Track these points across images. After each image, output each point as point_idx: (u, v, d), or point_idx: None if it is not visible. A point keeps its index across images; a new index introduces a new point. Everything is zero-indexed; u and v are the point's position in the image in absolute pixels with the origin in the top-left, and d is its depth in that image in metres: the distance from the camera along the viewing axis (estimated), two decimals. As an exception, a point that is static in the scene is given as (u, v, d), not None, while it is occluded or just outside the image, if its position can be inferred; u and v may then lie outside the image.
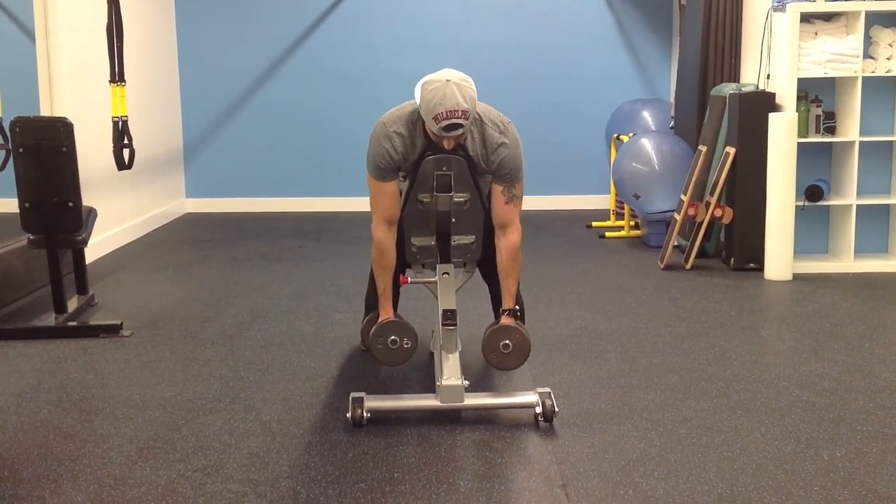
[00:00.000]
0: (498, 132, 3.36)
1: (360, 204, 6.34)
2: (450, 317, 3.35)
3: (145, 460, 2.99)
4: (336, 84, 8.19)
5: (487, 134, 3.35)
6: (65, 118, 4.48)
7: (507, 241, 3.46)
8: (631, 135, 6.98)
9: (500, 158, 3.36)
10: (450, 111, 3.11)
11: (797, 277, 5.50)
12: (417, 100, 3.23)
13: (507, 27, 8.17)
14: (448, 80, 3.13)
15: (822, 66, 5.49)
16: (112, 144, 5.02)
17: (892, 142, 5.70)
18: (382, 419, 3.29)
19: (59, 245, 4.53)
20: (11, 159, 4.41)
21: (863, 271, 5.65)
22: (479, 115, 3.34)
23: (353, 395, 3.32)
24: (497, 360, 3.40)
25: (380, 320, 3.47)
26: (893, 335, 4.37)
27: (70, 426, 3.29)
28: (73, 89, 5.87)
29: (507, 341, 3.37)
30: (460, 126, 3.15)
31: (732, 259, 5.77)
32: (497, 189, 3.43)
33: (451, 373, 3.28)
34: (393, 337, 3.38)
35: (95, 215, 5.02)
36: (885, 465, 2.93)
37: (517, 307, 3.54)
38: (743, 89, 5.80)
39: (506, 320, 3.45)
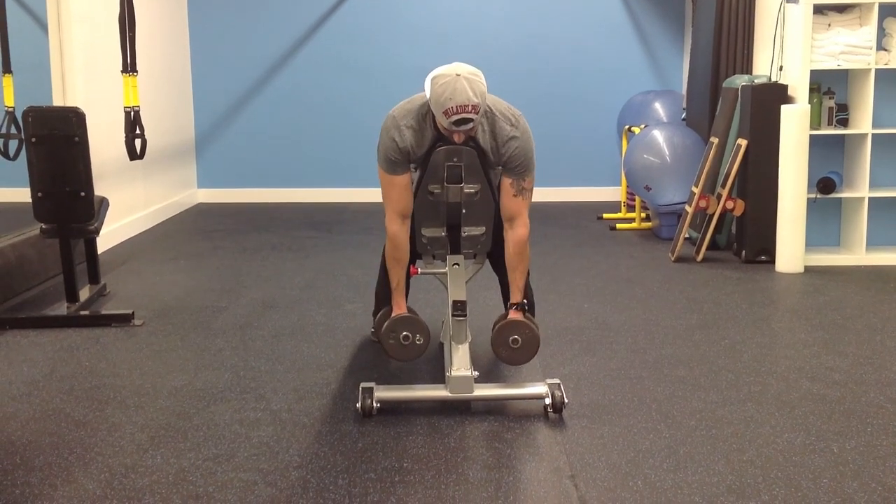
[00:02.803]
0: (509, 125, 3.35)
1: (372, 195, 6.35)
2: (460, 308, 3.35)
3: (156, 449, 3.01)
4: (348, 75, 8.19)
5: (498, 126, 3.35)
6: (77, 108, 4.49)
7: (515, 235, 3.45)
8: (642, 126, 6.96)
9: (510, 151, 3.35)
10: (460, 106, 3.11)
11: (809, 270, 5.48)
12: (427, 93, 3.22)
13: (519, 18, 8.15)
14: (458, 75, 3.13)
15: (835, 58, 5.46)
16: (124, 134, 5.03)
17: (905, 134, 5.68)
18: (392, 409, 3.31)
19: (71, 234, 4.55)
20: (24, 149, 4.43)
21: (875, 264, 5.63)
22: (489, 107, 3.33)
23: (363, 385, 3.33)
24: (506, 355, 3.41)
25: (393, 315, 3.46)
26: (905, 328, 4.36)
27: (82, 415, 3.31)
28: (86, 79, 5.89)
29: (516, 336, 3.37)
30: (470, 120, 3.15)
31: (744, 251, 5.75)
32: (506, 182, 3.42)
33: (460, 363, 3.29)
34: (405, 333, 3.37)
35: (107, 205, 5.04)
36: (895, 457, 2.92)
37: (525, 301, 3.53)
38: (755, 81, 5.78)
39: (514, 314, 3.45)
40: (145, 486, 2.74)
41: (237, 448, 3.02)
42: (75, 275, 4.63)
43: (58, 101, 5.71)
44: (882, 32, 5.51)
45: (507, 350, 3.39)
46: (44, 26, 5.71)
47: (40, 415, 3.32)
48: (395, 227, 3.44)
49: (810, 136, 5.39)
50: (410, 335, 3.37)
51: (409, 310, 3.53)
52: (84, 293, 4.76)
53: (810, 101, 5.50)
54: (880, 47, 5.51)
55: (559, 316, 4.55)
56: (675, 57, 8.19)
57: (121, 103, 5.02)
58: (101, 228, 4.78)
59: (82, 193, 4.44)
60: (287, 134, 8.31)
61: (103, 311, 4.64)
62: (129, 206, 6.72)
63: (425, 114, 3.33)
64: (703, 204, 5.84)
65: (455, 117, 3.14)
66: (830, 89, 5.64)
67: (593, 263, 5.79)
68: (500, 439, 3.09)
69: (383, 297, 4.06)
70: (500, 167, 3.43)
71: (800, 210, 5.41)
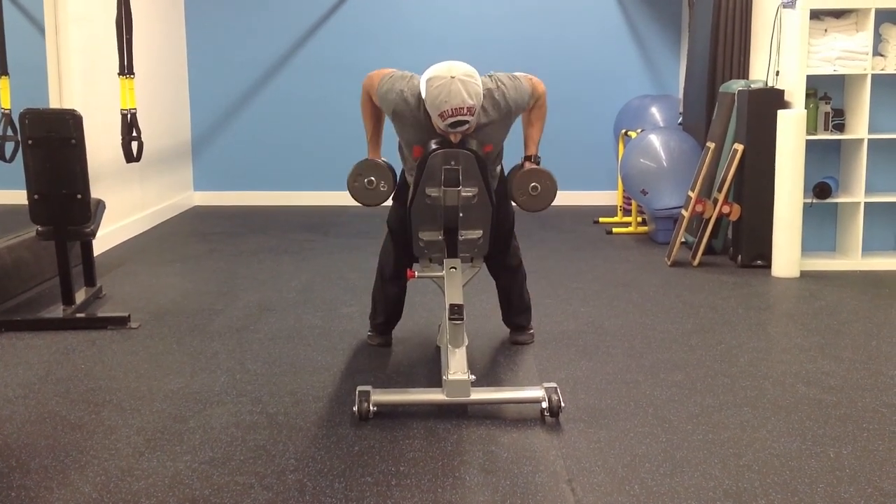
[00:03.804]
0: (497, 86, 3.49)
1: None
2: (457, 311, 3.35)
3: (152, 452, 3.01)
4: (345, 77, 8.17)
5: (495, 96, 3.47)
6: (74, 110, 4.48)
7: (536, 102, 3.69)
8: (639, 131, 6.97)
9: (514, 102, 3.52)
10: (455, 108, 3.12)
11: (805, 275, 5.49)
12: (423, 94, 3.23)
13: (516, 22, 8.16)
14: (453, 77, 3.14)
15: (831, 64, 5.48)
16: (121, 137, 5.03)
17: (901, 139, 5.69)
18: (389, 413, 3.30)
19: (67, 237, 4.55)
20: (21, 151, 4.42)
21: (870, 269, 5.64)
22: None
23: (359, 388, 3.32)
24: (524, 200, 3.63)
25: (362, 159, 3.63)
26: (901, 333, 4.37)
27: (78, 417, 3.31)
28: (83, 81, 5.89)
29: (536, 184, 3.58)
30: (466, 122, 3.17)
31: (740, 256, 5.76)
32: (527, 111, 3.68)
33: (457, 367, 3.29)
34: (371, 177, 3.52)
35: (104, 207, 5.03)
36: (891, 462, 2.92)
37: (539, 155, 3.75)
38: (752, 86, 5.79)
39: (530, 165, 3.67)
40: (141, 490, 2.74)
41: (233, 451, 3.01)
42: (71, 277, 4.62)
43: (54, 104, 5.70)
44: (878, 38, 5.53)
45: (526, 196, 3.61)
46: (41, 28, 5.71)
47: (36, 417, 3.31)
48: (366, 96, 3.69)
49: (806, 141, 5.40)
50: (375, 180, 3.53)
51: (383, 160, 3.70)
52: (80, 296, 4.75)
53: (806, 107, 5.51)
54: (876, 53, 5.52)
55: (556, 320, 4.55)
56: (671, 61, 8.21)
57: (117, 105, 5.01)
58: (97, 231, 4.77)
59: (79, 196, 4.43)
60: (284, 136, 8.31)
61: (99, 314, 4.63)
62: (126, 208, 6.71)
63: (422, 100, 3.36)
64: (699, 208, 5.85)
65: (450, 120, 3.15)
66: (827, 94, 5.65)
67: (590, 267, 5.79)
68: (497, 443, 3.08)
69: (380, 300, 4.07)
70: (518, 114, 3.65)
71: (796, 215, 5.42)
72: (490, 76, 3.53)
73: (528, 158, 3.74)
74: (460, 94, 3.12)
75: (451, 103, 3.12)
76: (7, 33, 5.50)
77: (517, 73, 3.62)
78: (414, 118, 3.46)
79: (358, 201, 3.59)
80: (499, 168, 3.83)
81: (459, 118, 3.16)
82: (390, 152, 3.81)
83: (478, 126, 3.41)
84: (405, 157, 3.69)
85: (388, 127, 3.69)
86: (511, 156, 3.88)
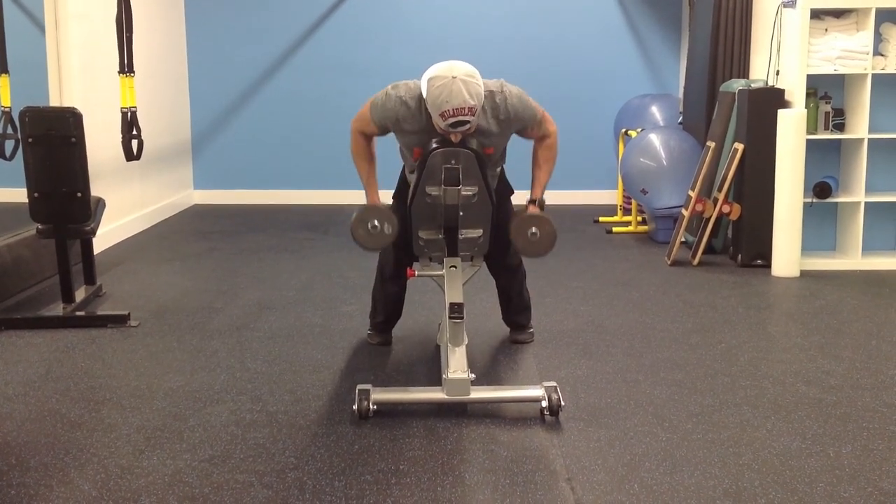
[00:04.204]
0: (500, 94, 3.46)
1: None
2: (457, 310, 3.35)
3: (152, 450, 3.01)
4: (345, 76, 8.18)
5: (497, 102, 3.45)
6: (74, 108, 4.48)
7: (544, 143, 3.69)
8: (639, 130, 6.97)
9: (516, 115, 3.49)
10: (457, 108, 3.12)
11: (805, 274, 5.49)
12: (424, 94, 3.23)
13: (517, 21, 8.16)
14: (454, 77, 3.14)
15: (831, 63, 5.48)
16: (121, 135, 5.03)
17: (901, 139, 5.69)
18: (388, 411, 3.30)
19: (67, 235, 4.54)
20: (21, 149, 4.42)
21: (870, 269, 5.64)
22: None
23: (359, 387, 3.32)
24: (524, 245, 3.58)
25: (363, 205, 3.59)
26: (901, 333, 4.37)
27: (77, 415, 3.31)
28: (83, 80, 5.88)
29: (535, 229, 3.52)
30: (467, 122, 3.17)
31: (740, 255, 5.76)
32: (526, 133, 3.64)
33: (457, 366, 3.29)
34: (374, 222, 3.45)
35: (104, 206, 5.03)
36: (890, 462, 2.92)
37: (544, 198, 3.72)
38: (752, 85, 5.79)
39: (533, 209, 3.62)
40: (141, 488, 2.74)
41: (233, 449, 3.01)
42: (71, 275, 4.62)
43: (55, 102, 5.70)
44: (879, 37, 5.53)
45: (525, 241, 3.56)
46: (41, 26, 5.71)
47: (36, 415, 3.31)
48: (358, 137, 3.66)
49: (807, 140, 5.40)
50: (378, 224, 3.47)
51: (381, 202, 3.66)
52: (80, 294, 4.75)
53: (807, 106, 5.51)
54: (877, 52, 5.52)
55: (556, 319, 4.55)
56: (672, 61, 8.20)
57: (118, 104, 5.02)
58: (97, 229, 4.77)
59: (79, 194, 4.43)
60: (284, 135, 8.31)
61: (99, 312, 4.63)
62: (126, 206, 6.71)
63: (422, 100, 3.35)
64: (699, 208, 5.85)
65: (451, 120, 3.15)
66: (827, 94, 5.65)
67: (590, 267, 5.79)
68: (497, 442, 3.08)
69: (380, 299, 4.07)
70: (516, 131, 3.61)
71: (796, 214, 5.42)
72: (499, 81, 3.51)
73: (532, 202, 3.68)
74: (461, 94, 3.12)
75: (452, 103, 3.12)
76: (7, 31, 5.49)
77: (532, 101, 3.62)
78: (416, 121, 3.44)
79: (364, 247, 3.54)
80: (499, 169, 3.82)
81: (460, 118, 3.16)
82: (390, 151, 3.81)
83: (478, 129, 3.40)
84: (405, 156, 3.69)
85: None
86: (514, 154, 3.87)
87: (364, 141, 3.66)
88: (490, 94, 3.42)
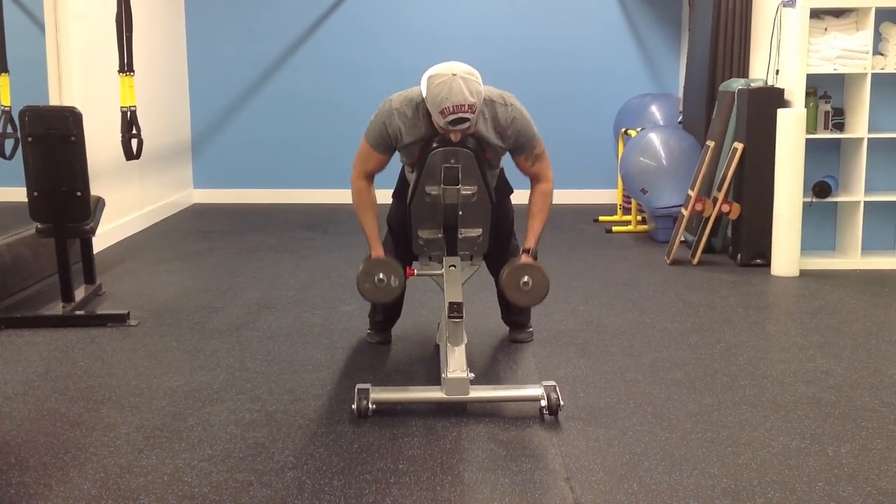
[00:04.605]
0: (505, 107, 3.44)
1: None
2: (456, 309, 3.35)
3: (151, 449, 3.01)
4: (344, 76, 8.19)
5: (498, 112, 3.43)
6: (73, 107, 4.48)
7: (539, 187, 3.67)
8: (639, 129, 6.97)
9: (515, 130, 3.46)
10: (457, 105, 3.11)
11: (804, 274, 5.49)
12: (423, 92, 3.23)
13: (516, 21, 8.16)
14: (454, 74, 3.13)
15: (831, 63, 5.48)
16: (120, 134, 5.03)
17: (901, 139, 5.69)
18: (388, 411, 3.30)
19: (67, 234, 4.55)
20: (21, 148, 4.42)
21: (870, 268, 5.64)
22: (486, 96, 3.37)
23: (358, 386, 3.33)
24: (516, 296, 3.54)
25: (369, 258, 3.56)
26: (900, 332, 4.37)
27: (77, 415, 3.31)
28: (82, 79, 5.88)
29: (527, 278, 3.48)
30: (467, 120, 3.16)
31: (739, 255, 5.76)
32: (520, 158, 3.59)
33: (456, 365, 3.29)
34: (380, 275, 3.45)
35: (103, 205, 5.03)
36: (889, 461, 2.93)
37: (537, 248, 3.66)
38: (752, 85, 5.79)
39: (526, 258, 3.57)
40: (140, 487, 2.74)
41: (232, 449, 3.01)
42: (71, 274, 4.62)
43: (54, 101, 5.70)
44: (878, 37, 5.53)
45: (518, 291, 3.52)
46: (41, 25, 5.71)
47: (35, 414, 3.32)
48: (360, 183, 3.60)
49: (806, 140, 5.40)
50: (385, 277, 3.47)
51: (387, 255, 3.63)
52: (79, 293, 4.75)
53: (806, 105, 5.51)
54: (876, 52, 5.52)
55: (555, 318, 4.55)
56: (671, 60, 8.20)
57: (117, 103, 5.02)
58: (96, 228, 4.78)
59: (78, 193, 4.43)
60: (283, 135, 8.31)
61: (99, 311, 4.63)
62: (125, 206, 6.71)
63: (419, 104, 3.35)
64: (699, 207, 5.85)
65: (451, 117, 3.14)
66: (827, 93, 5.65)
67: (589, 266, 5.80)
68: (496, 441, 3.09)
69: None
70: (510, 149, 3.56)
71: (795, 214, 5.42)
72: (506, 93, 3.48)
73: (525, 251, 3.63)
74: (462, 91, 3.12)
75: (452, 100, 3.12)
76: (7, 30, 5.50)
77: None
78: (416, 129, 3.40)
79: (370, 300, 3.55)
80: (498, 169, 3.82)
81: (460, 115, 3.15)
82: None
83: (476, 135, 3.39)
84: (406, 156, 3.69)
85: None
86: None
87: (366, 186, 3.61)
88: (491, 103, 3.41)
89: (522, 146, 3.54)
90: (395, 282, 3.46)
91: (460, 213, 3.43)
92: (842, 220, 5.85)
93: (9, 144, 5.47)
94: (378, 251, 3.61)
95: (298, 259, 5.98)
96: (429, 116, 3.33)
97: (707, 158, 5.95)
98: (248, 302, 4.88)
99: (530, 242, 3.63)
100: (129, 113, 5.01)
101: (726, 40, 6.33)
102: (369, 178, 3.62)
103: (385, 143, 3.49)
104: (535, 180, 3.67)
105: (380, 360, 3.91)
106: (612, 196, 7.94)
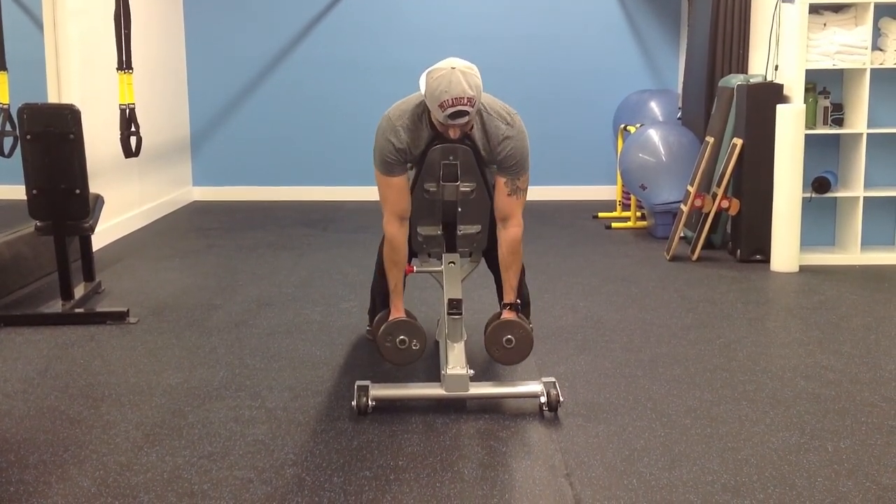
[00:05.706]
0: (504, 124, 3.33)
1: (367, 193, 6.35)
2: (455, 306, 3.35)
3: (151, 446, 3.01)
4: (343, 73, 8.18)
5: (493, 125, 3.33)
6: (72, 105, 4.48)
7: (508, 235, 3.43)
8: (638, 125, 6.97)
9: (505, 151, 3.33)
10: (456, 98, 3.10)
11: (803, 269, 5.49)
12: (423, 88, 3.22)
13: (515, 17, 8.15)
14: (453, 68, 3.13)
15: (830, 58, 5.47)
16: (119, 132, 5.03)
17: (900, 134, 5.69)
18: (387, 408, 3.31)
19: (66, 232, 4.55)
20: (19, 146, 4.42)
21: (869, 263, 5.64)
22: (484, 105, 3.32)
23: (358, 383, 3.33)
24: (500, 354, 3.40)
25: (390, 318, 3.44)
26: (899, 328, 4.37)
27: (76, 412, 3.31)
28: (81, 76, 5.88)
29: (510, 336, 3.36)
30: (466, 113, 3.15)
31: (739, 250, 5.76)
32: (500, 181, 3.39)
33: (456, 362, 3.29)
34: (402, 336, 3.35)
35: (102, 202, 5.03)
36: (889, 456, 2.93)
37: (518, 301, 3.51)
38: (751, 80, 5.79)
39: (507, 314, 3.44)
40: (140, 484, 2.74)
41: (232, 446, 3.01)
42: (70, 272, 4.62)
43: (53, 99, 5.70)
44: (877, 32, 5.52)
45: (501, 350, 3.38)
46: (39, 23, 5.70)
47: (35, 412, 3.32)
48: (393, 229, 3.42)
49: (805, 135, 5.40)
50: (407, 339, 3.35)
51: (407, 313, 3.51)
52: (79, 291, 4.75)
53: (805, 101, 5.51)
54: (875, 47, 5.52)
55: (555, 315, 4.55)
56: (670, 56, 8.19)
57: (116, 101, 5.01)
58: (96, 226, 4.78)
59: (77, 191, 4.43)
60: (283, 132, 8.30)
61: (98, 309, 4.63)
62: (125, 203, 6.71)
63: (420, 113, 3.32)
64: (698, 203, 5.85)
65: (450, 110, 3.13)
66: (826, 89, 5.64)
67: (589, 262, 5.79)
68: (496, 438, 3.09)
69: (379, 295, 4.06)
70: (495, 166, 3.41)
71: (795, 209, 5.42)
72: (510, 111, 3.38)
73: (506, 306, 3.48)
74: (461, 83, 3.11)
75: (451, 93, 3.11)
76: (6, 28, 5.48)
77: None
78: (420, 135, 3.33)
79: (390, 361, 3.42)
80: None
81: (460, 108, 3.13)
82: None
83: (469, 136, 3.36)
84: None
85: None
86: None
87: (399, 233, 3.41)
88: (496, 113, 3.33)
89: (508, 169, 3.35)
90: (415, 345, 3.36)
91: (459, 209, 3.43)
92: (841, 216, 5.85)
93: (8, 142, 5.46)
94: (399, 311, 3.48)
95: (298, 256, 5.98)
96: (429, 120, 3.30)
97: (706, 154, 5.94)
98: (248, 299, 4.88)
99: (510, 296, 3.48)
100: (127, 110, 5.00)
101: (725, 36, 6.33)
102: (402, 219, 3.41)
103: (397, 161, 3.33)
104: (503, 220, 3.43)
105: (379, 357, 3.90)
106: (611, 192, 7.94)
